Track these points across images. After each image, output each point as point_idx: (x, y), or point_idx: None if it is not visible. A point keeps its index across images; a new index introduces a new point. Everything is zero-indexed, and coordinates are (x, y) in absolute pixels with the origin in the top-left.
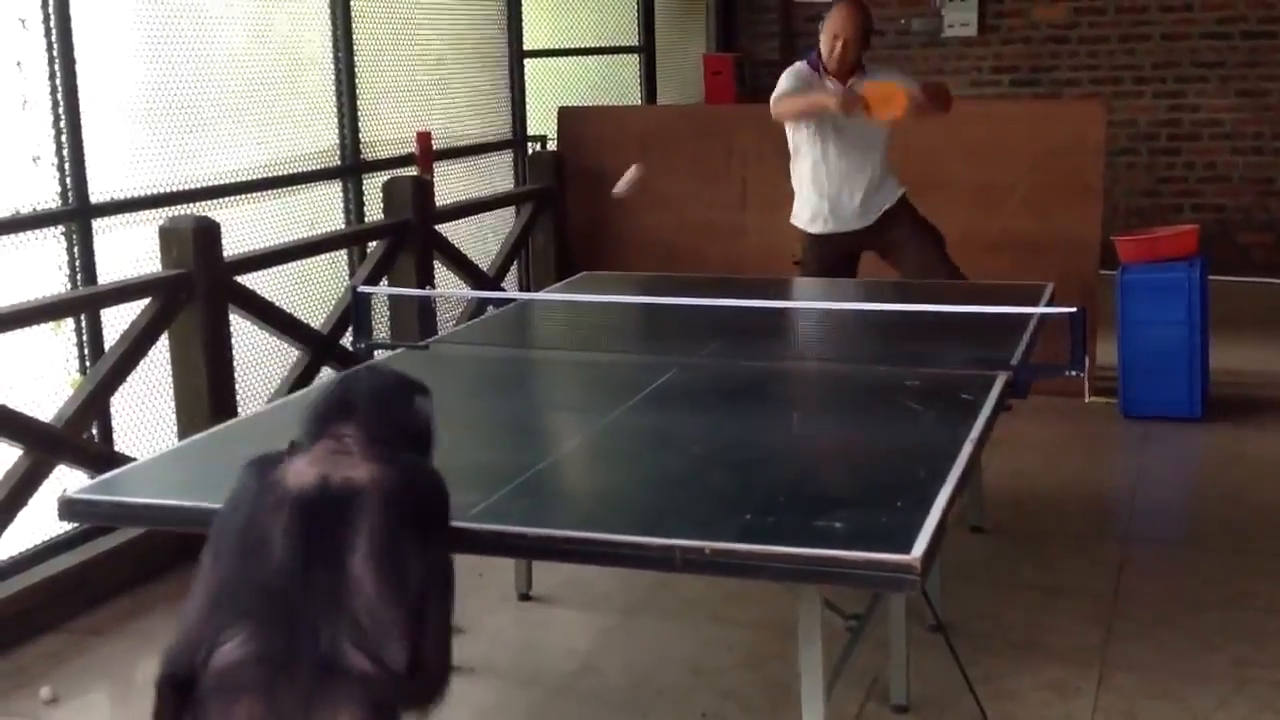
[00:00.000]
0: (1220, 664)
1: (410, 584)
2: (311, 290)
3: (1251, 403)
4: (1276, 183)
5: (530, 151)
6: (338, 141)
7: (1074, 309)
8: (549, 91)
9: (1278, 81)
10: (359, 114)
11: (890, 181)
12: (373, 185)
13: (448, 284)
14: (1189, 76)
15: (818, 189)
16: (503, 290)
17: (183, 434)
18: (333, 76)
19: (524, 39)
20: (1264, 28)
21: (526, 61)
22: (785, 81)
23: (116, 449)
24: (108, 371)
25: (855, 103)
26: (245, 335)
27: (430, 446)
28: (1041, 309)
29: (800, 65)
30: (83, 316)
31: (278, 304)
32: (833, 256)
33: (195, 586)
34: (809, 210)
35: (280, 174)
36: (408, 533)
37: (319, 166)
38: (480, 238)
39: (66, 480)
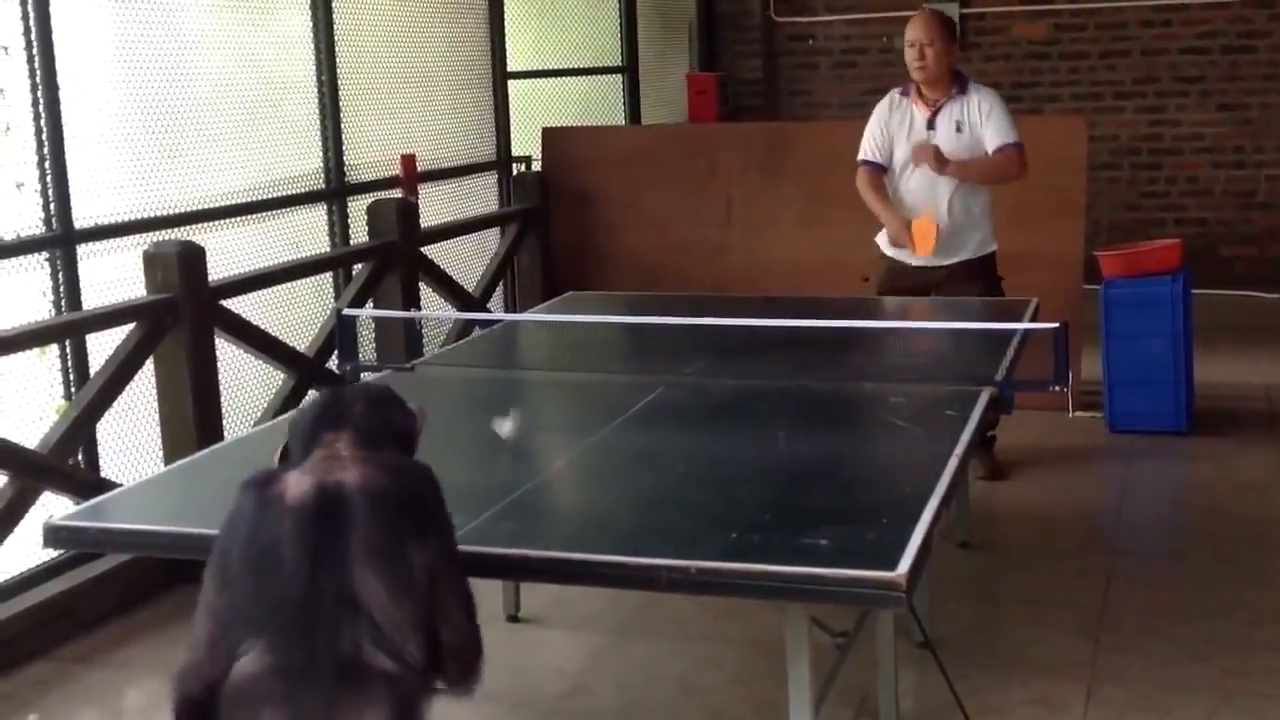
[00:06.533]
0: (1208, 675)
1: (415, 577)
2: (297, 313)
3: (1236, 415)
4: (1258, 196)
5: (515, 172)
6: (322, 164)
7: (1056, 325)
8: (533, 112)
9: (1258, 95)
10: (343, 137)
11: (975, 236)
12: (357, 208)
13: (433, 305)
14: (1169, 91)
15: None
16: (488, 311)
17: (169, 459)
18: (316, 100)
19: (508, 60)
20: (1243, 42)
21: (510, 83)
22: (871, 123)
23: (103, 475)
24: (93, 397)
25: (903, 235)
26: (230, 359)
27: (415, 446)
28: (1024, 325)
29: (888, 97)
30: (68, 342)
31: (263, 327)
32: (895, 284)
33: (201, 609)
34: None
35: (265, 198)
36: (400, 528)
37: (303, 190)
38: (465, 259)
39: (53, 506)
